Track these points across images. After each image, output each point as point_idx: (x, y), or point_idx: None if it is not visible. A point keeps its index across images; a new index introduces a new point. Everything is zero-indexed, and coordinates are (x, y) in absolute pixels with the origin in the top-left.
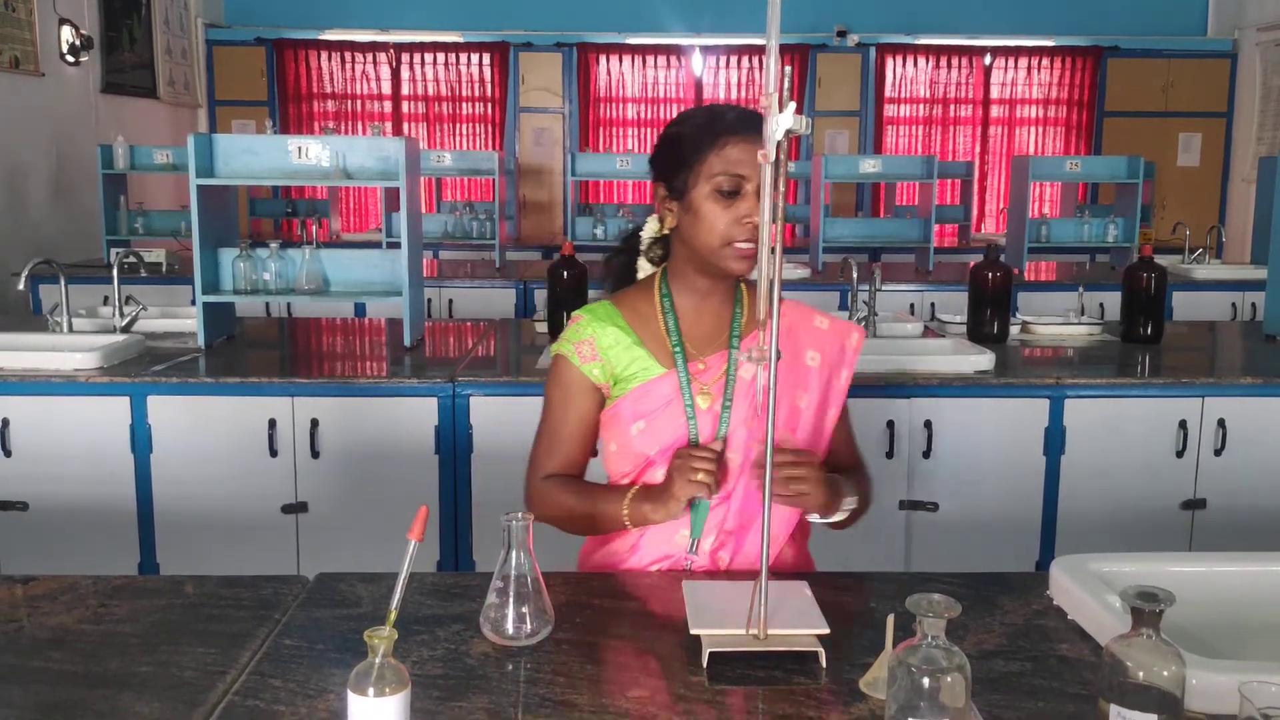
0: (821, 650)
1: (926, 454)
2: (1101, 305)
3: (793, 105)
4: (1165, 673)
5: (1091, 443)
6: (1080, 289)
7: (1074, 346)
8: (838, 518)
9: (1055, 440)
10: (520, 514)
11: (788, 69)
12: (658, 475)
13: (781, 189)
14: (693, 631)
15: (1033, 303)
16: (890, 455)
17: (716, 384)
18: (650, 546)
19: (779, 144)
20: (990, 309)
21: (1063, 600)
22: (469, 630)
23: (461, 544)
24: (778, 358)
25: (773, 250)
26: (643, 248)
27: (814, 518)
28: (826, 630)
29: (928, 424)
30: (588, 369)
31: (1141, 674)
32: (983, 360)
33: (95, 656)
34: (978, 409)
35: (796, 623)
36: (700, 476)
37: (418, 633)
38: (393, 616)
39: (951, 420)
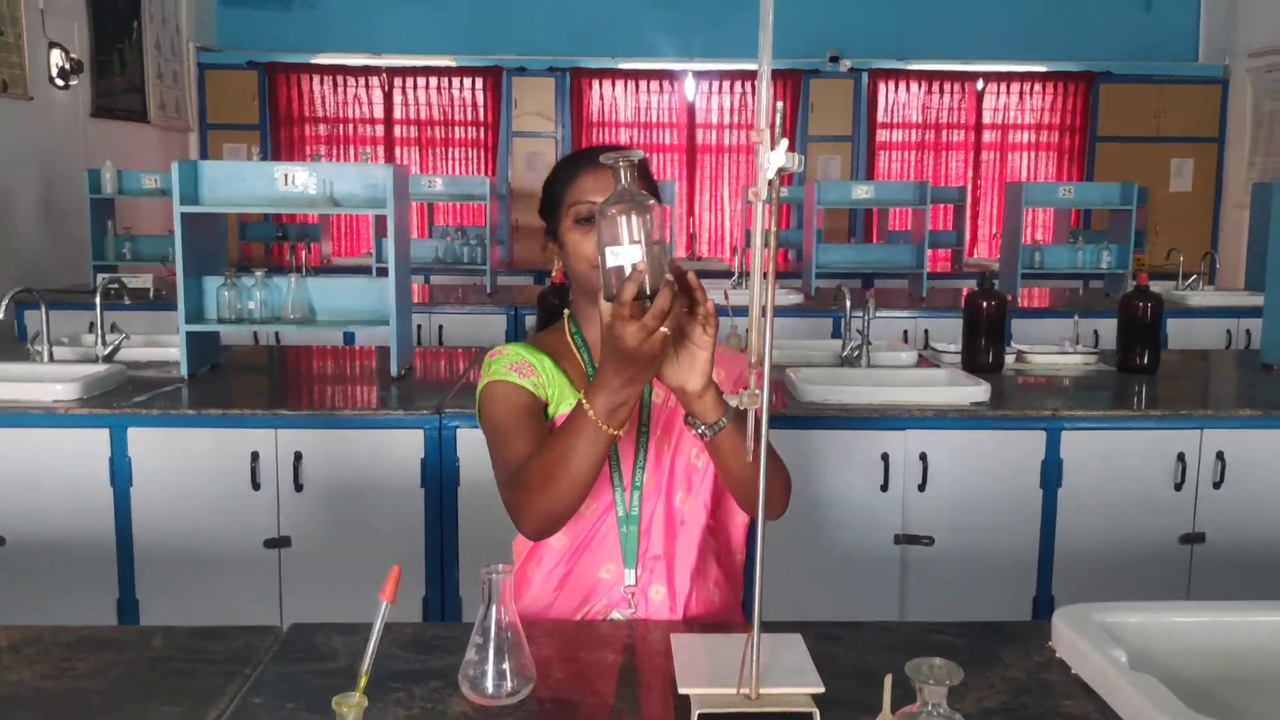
0: (816, 711)
1: (922, 487)
2: (1096, 332)
3: (785, 143)
4: None
5: (1089, 476)
6: (1076, 317)
7: (1070, 376)
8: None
9: (1052, 473)
10: (500, 566)
11: (779, 104)
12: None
13: (775, 228)
14: (681, 691)
15: (1027, 330)
16: (885, 488)
17: (631, 412)
18: (576, 585)
19: (771, 182)
20: (985, 338)
21: (1065, 653)
22: (447, 688)
23: (448, 578)
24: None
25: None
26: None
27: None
28: (821, 689)
29: (923, 456)
30: (527, 383)
31: None
32: (978, 392)
33: (54, 716)
34: (974, 441)
35: (790, 680)
36: (649, 320)
37: (393, 690)
38: (363, 682)
39: (947, 453)
